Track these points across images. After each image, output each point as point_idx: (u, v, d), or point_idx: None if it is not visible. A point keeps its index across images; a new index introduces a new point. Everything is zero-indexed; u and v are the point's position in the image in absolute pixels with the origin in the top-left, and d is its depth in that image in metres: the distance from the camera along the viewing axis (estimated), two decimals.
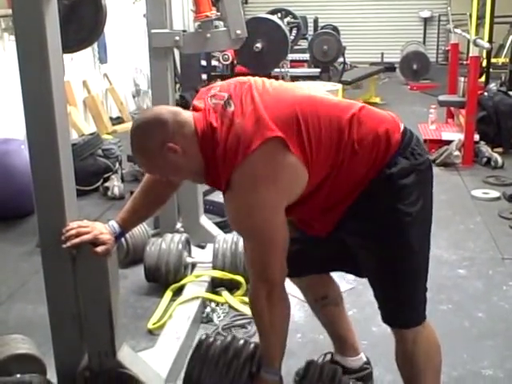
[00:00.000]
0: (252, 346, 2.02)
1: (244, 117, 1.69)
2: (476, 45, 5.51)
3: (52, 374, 2.09)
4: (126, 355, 2.06)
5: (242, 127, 1.68)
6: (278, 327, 1.85)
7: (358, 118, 1.78)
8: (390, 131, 1.79)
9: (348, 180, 1.78)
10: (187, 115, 1.77)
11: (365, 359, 2.36)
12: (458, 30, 7.04)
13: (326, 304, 2.25)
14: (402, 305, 1.88)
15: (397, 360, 1.99)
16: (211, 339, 2.07)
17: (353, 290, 3.05)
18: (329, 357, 2.39)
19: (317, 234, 1.93)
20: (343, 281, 2.39)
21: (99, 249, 1.87)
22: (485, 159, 5.44)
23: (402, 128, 1.84)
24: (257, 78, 1.85)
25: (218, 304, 2.98)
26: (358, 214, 1.80)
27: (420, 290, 1.90)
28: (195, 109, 1.80)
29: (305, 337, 2.71)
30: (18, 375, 2.00)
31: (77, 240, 1.86)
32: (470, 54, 5.66)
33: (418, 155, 1.81)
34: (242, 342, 2.04)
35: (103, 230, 1.92)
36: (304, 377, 1.99)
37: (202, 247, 3.48)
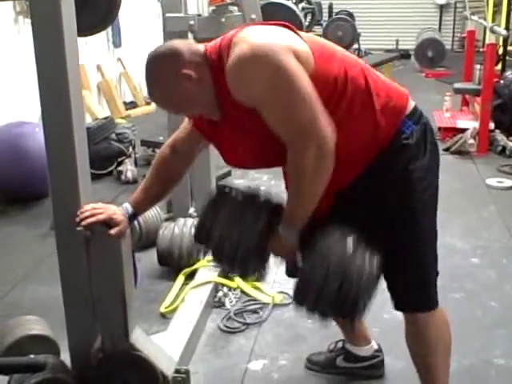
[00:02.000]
0: (273, 203, 1.81)
1: (250, 28, 1.71)
2: (493, 32, 5.46)
3: (65, 355, 2.11)
4: (138, 338, 2.08)
5: (247, 32, 1.67)
6: (317, 187, 1.66)
7: (370, 74, 1.77)
8: (400, 95, 1.79)
9: (364, 129, 1.72)
10: (200, 45, 1.78)
11: (376, 347, 2.36)
12: (475, 17, 6.97)
13: None
14: (412, 290, 1.87)
15: (407, 340, 1.99)
16: (232, 191, 1.85)
17: None
18: (340, 344, 2.39)
19: (327, 206, 1.83)
20: None
21: (113, 231, 1.87)
22: (500, 148, 5.40)
23: (412, 101, 1.83)
24: None
25: (230, 289, 2.99)
26: (369, 188, 1.76)
27: (428, 277, 1.88)
28: None
29: (316, 322, 2.71)
30: (32, 356, 2.02)
31: (91, 219, 1.86)
32: (487, 41, 5.62)
33: (432, 132, 1.81)
34: (262, 197, 1.82)
35: (117, 211, 1.92)
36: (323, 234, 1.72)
37: None
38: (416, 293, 1.88)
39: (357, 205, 1.80)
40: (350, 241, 1.69)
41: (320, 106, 1.60)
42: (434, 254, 1.89)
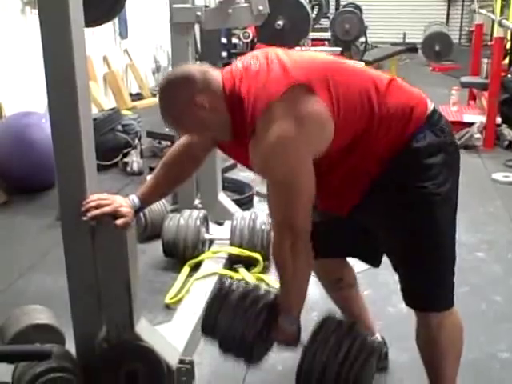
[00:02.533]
0: (273, 295, 1.95)
1: (271, 71, 1.71)
2: (501, 25, 5.43)
3: (70, 345, 2.12)
4: (143, 328, 2.09)
5: (268, 79, 1.69)
6: (300, 275, 1.81)
7: (388, 88, 1.77)
8: (419, 105, 1.79)
9: (375, 148, 1.75)
10: (216, 73, 1.78)
11: (380, 339, 2.36)
12: (483, 11, 6.93)
13: (340, 287, 2.25)
14: (428, 287, 1.85)
15: (418, 341, 1.97)
16: (233, 285, 1.99)
17: (369, 270, 3.02)
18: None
19: (340, 212, 1.91)
20: (359, 261, 2.40)
21: (119, 221, 1.88)
22: (506, 142, 5.38)
23: (431, 106, 1.83)
24: (282, 49, 1.86)
25: None
26: (385, 188, 1.77)
27: (447, 274, 1.87)
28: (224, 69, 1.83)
29: (321, 315, 2.69)
30: (38, 344, 2.03)
31: (97, 211, 1.87)
32: (495, 35, 5.58)
33: (448, 134, 1.81)
34: (263, 290, 1.98)
35: (123, 203, 1.94)
36: (320, 325, 1.91)
37: (220, 224, 3.50)
38: (433, 290, 1.87)
39: (372, 206, 1.82)
40: (344, 330, 1.86)
41: (309, 205, 1.73)
42: (452, 249, 1.87)
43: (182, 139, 2.04)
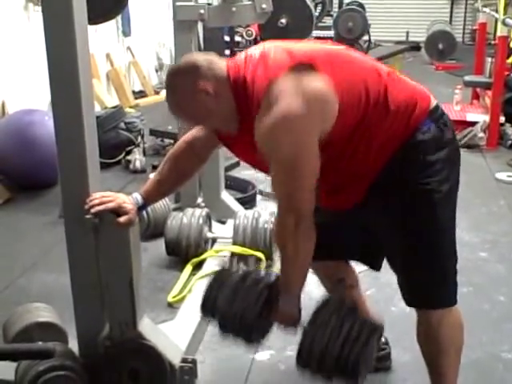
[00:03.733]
0: (273, 276, 1.92)
1: (274, 54, 1.72)
2: (505, 24, 5.41)
3: (73, 343, 2.12)
4: (146, 326, 2.08)
5: (271, 60, 1.70)
6: (302, 255, 1.78)
7: (390, 78, 1.78)
8: (423, 98, 1.79)
9: (379, 139, 1.74)
10: (221, 61, 1.79)
11: (383, 339, 2.36)
12: (487, 9, 6.92)
13: (342, 287, 2.24)
14: (428, 285, 1.85)
15: (418, 338, 1.98)
16: (233, 269, 2.02)
17: (370, 270, 3.04)
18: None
19: (343, 208, 1.90)
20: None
21: (122, 219, 1.88)
22: (510, 142, 5.37)
23: (434, 101, 1.83)
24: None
25: None
26: (388, 184, 1.77)
27: (448, 272, 1.87)
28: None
29: None
30: (40, 342, 2.03)
31: (101, 207, 1.87)
32: (498, 34, 5.56)
33: (451, 130, 1.81)
34: (263, 272, 1.99)
35: (126, 200, 1.94)
36: (321, 306, 1.86)
37: (223, 222, 3.49)
38: (432, 288, 1.86)
39: (374, 202, 1.81)
40: (345, 312, 1.82)
41: (313, 186, 1.70)
42: (452, 247, 1.87)
43: (186, 137, 2.03)
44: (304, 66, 1.66)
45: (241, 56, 1.81)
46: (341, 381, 1.80)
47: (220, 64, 1.78)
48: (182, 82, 1.77)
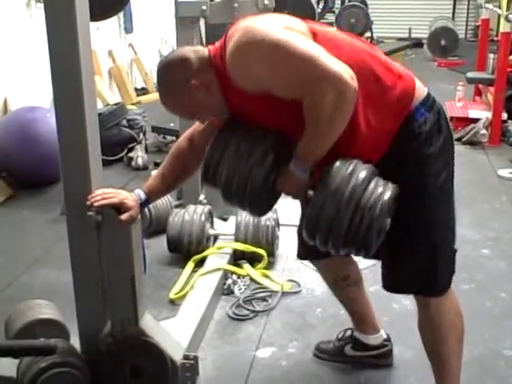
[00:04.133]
0: (276, 135, 1.77)
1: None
2: (508, 20, 5.39)
3: (75, 340, 2.13)
4: (147, 323, 2.09)
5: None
6: (334, 128, 1.63)
7: (385, 61, 1.78)
8: (414, 83, 1.78)
9: (380, 120, 1.73)
10: (204, 49, 1.81)
11: (385, 336, 2.36)
12: (489, 5, 6.89)
13: (347, 284, 2.24)
14: (418, 272, 1.86)
15: (419, 327, 1.99)
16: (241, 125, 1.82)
17: (374, 266, 3.03)
18: (349, 333, 2.39)
19: None
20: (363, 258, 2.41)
21: (124, 216, 1.88)
22: None
23: (426, 89, 1.82)
24: None
25: (239, 276, 3.00)
26: (385, 169, 1.74)
27: (441, 257, 1.86)
28: None
29: (325, 311, 2.72)
30: (43, 339, 2.03)
31: (103, 201, 1.88)
32: (501, 30, 5.55)
33: (444, 118, 1.80)
34: (263, 130, 1.78)
35: (128, 196, 1.94)
36: (333, 168, 1.67)
37: (225, 219, 3.50)
38: (422, 275, 1.87)
39: None
40: (362, 172, 1.66)
41: (333, 58, 1.58)
42: (445, 239, 1.87)
43: (187, 134, 2.03)
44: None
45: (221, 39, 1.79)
46: (351, 251, 1.71)
47: (204, 52, 1.79)
48: (173, 81, 1.79)
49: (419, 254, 1.84)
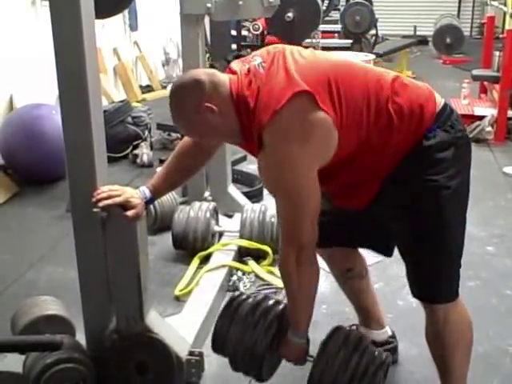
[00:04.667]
0: (281, 306, 1.99)
1: (276, 77, 1.70)
2: None
3: (80, 336, 2.13)
4: (153, 320, 2.09)
5: (273, 85, 1.69)
6: (305, 291, 1.83)
7: (395, 86, 1.77)
8: (428, 103, 1.78)
9: (384, 150, 1.76)
10: (223, 77, 1.78)
11: (390, 333, 2.36)
12: (495, 3, 6.88)
13: (351, 277, 2.25)
14: (435, 279, 1.85)
15: (427, 336, 1.97)
16: (242, 297, 2.05)
17: (379, 263, 3.04)
18: (354, 329, 2.39)
19: (354, 208, 1.92)
20: (370, 254, 2.41)
21: (129, 213, 1.89)
22: None
23: (441, 101, 1.82)
24: (291, 46, 1.84)
25: (244, 273, 3.00)
26: (396, 185, 1.78)
27: (454, 266, 1.87)
28: (230, 71, 1.82)
29: (330, 308, 2.72)
30: (48, 335, 2.04)
31: (108, 201, 1.88)
32: (507, 28, 5.54)
33: (458, 130, 1.79)
34: (271, 301, 2.01)
35: (134, 194, 1.94)
36: (329, 338, 1.94)
37: (230, 216, 3.50)
38: (436, 282, 1.86)
39: (384, 199, 1.83)
40: (353, 344, 1.88)
41: (315, 218, 1.74)
42: (459, 243, 1.87)
43: None
44: (302, 96, 1.65)
45: (242, 68, 1.78)
46: None
47: (222, 79, 1.77)
48: (185, 102, 1.76)
49: (435, 259, 1.83)
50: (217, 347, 1.99)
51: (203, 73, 1.80)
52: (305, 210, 1.73)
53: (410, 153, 1.76)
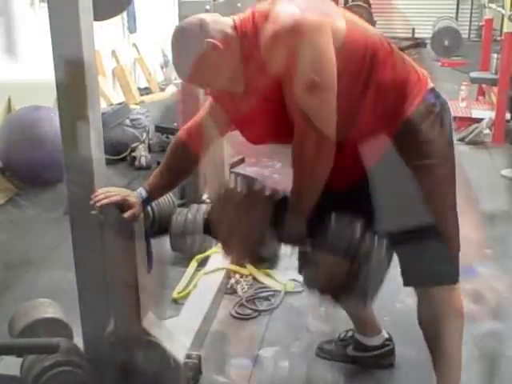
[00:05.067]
0: (278, 193, 1.88)
1: (280, 4, 1.72)
2: (511, 20, 5.39)
3: (78, 339, 2.13)
4: (150, 322, 2.09)
5: (280, 8, 1.70)
6: (317, 178, 1.75)
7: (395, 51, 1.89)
8: (423, 76, 1.92)
9: (387, 101, 1.79)
10: (227, 18, 1.80)
11: (386, 336, 2.36)
12: (493, 5, 6.89)
13: None
14: (435, 259, 1.86)
15: (420, 321, 1.97)
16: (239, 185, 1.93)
17: None
18: (350, 334, 2.39)
19: (355, 179, 1.88)
20: None
21: (126, 214, 1.89)
22: None
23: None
24: None
25: (242, 276, 3.00)
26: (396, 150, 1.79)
27: (453, 247, 1.88)
28: None
29: (328, 311, 2.72)
30: (45, 338, 2.04)
31: (105, 200, 1.88)
32: (505, 30, 5.54)
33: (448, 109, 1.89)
34: (263, 186, 1.90)
35: (130, 194, 1.94)
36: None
37: None
38: (440, 262, 1.86)
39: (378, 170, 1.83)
40: (357, 226, 1.73)
41: (334, 103, 1.66)
42: (456, 224, 1.89)
43: (181, 131, 2.03)
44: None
45: (248, 12, 1.80)
46: (349, 299, 1.79)
47: (227, 18, 1.79)
48: (188, 39, 1.76)
49: (438, 239, 1.83)
50: (210, 230, 1.92)
51: (207, 14, 1.83)
52: (332, 95, 1.67)
53: (412, 114, 1.80)
